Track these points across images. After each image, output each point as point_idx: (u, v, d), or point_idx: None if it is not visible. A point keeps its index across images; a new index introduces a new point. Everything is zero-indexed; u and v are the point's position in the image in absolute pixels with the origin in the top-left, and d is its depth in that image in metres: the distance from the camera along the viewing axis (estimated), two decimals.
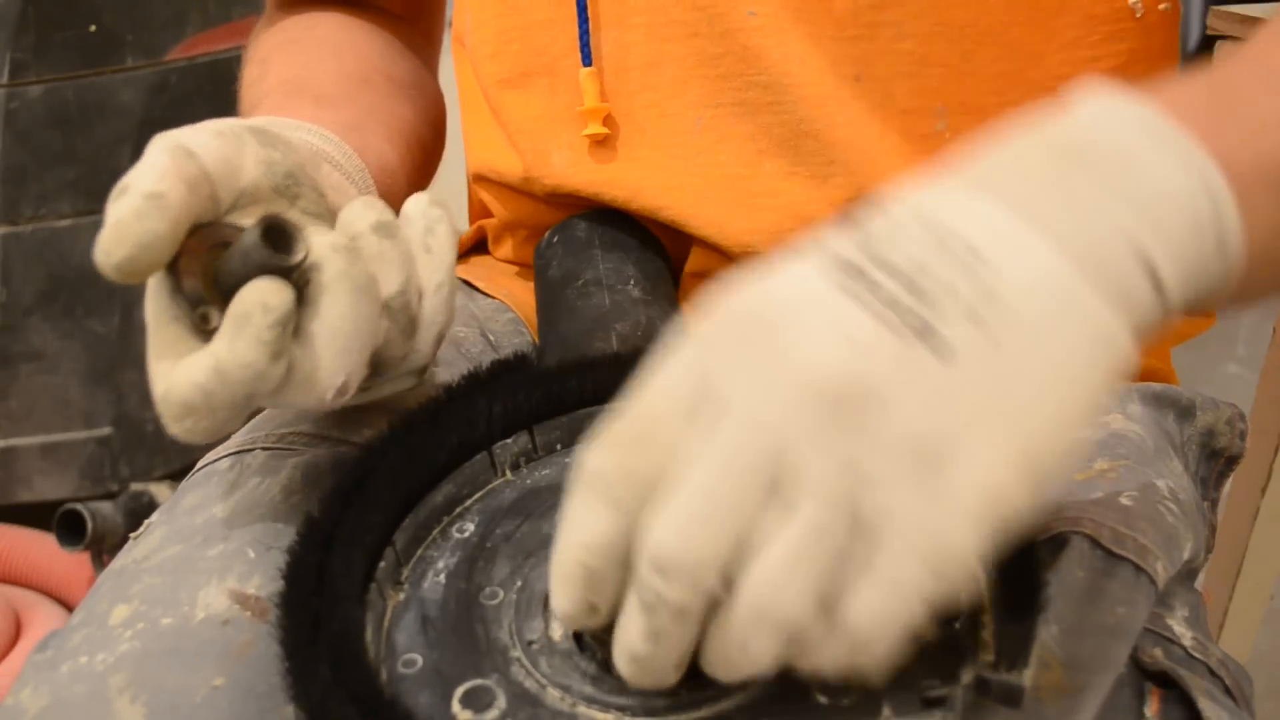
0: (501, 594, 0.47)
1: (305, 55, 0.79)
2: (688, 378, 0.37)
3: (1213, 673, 0.53)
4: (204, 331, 0.49)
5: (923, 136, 0.69)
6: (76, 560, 1.64)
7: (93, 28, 1.54)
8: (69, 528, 1.58)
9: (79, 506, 1.57)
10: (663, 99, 0.71)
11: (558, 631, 0.45)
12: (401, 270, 0.53)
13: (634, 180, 0.72)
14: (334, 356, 0.49)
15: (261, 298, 0.46)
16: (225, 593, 0.53)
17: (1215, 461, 0.73)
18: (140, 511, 1.62)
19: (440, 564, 0.49)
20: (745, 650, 0.36)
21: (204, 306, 0.49)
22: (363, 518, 0.48)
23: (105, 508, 1.60)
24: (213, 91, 1.61)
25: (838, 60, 0.68)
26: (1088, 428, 0.37)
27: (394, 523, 0.49)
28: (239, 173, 0.52)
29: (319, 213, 0.55)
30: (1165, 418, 0.69)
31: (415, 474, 0.51)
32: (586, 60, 0.71)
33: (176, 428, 0.48)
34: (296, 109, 0.68)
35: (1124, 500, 0.56)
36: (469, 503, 0.53)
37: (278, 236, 0.48)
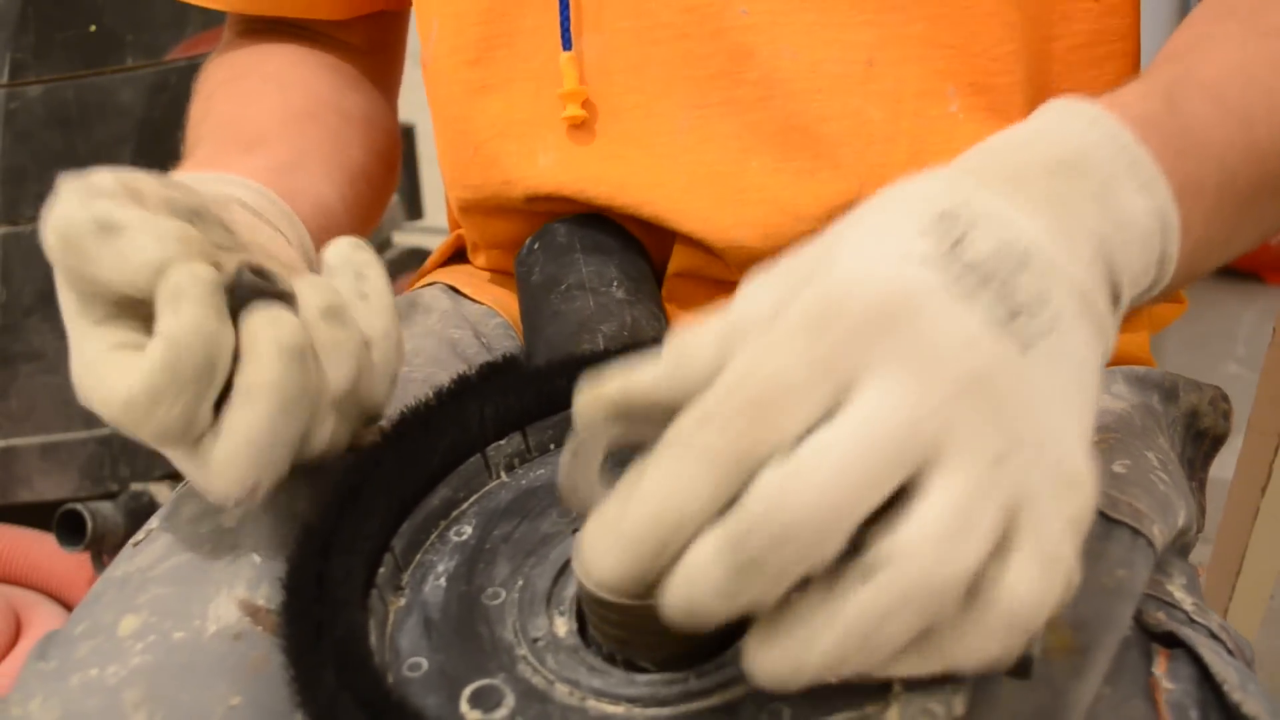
0: (504, 594, 0.47)
1: (247, 94, 0.79)
2: (808, 359, 0.36)
3: (1214, 635, 0.54)
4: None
5: (934, 119, 0.68)
6: (76, 560, 1.64)
7: (93, 28, 1.54)
8: (69, 528, 1.58)
9: (79, 506, 1.57)
10: (648, 100, 0.71)
11: (563, 628, 0.45)
12: (351, 360, 0.50)
13: (617, 177, 0.72)
14: (234, 469, 0.47)
15: (190, 270, 0.45)
16: (235, 603, 0.52)
17: (1201, 443, 0.74)
18: (140, 511, 1.62)
19: (440, 567, 0.49)
20: (874, 635, 0.35)
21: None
22: (360, 524, 0.48)
23: (105, 508, 1.60)
24: None
25: (848, 47, 0.67)
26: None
27: (391, 528, 0.49)
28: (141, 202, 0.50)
29: (229, 246, 0.53)
30: (1149, 399, 0.70)
31: (410, 478, 0.51)
32: (567, 45, 0.71)
33: (149, 426, 0.46)
34: (224, 157, 0.68)
35: (1116, 468, 0.57)
36: (465, 506, 0.53)
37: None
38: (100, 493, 1.65)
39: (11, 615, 1.58)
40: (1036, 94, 0.70)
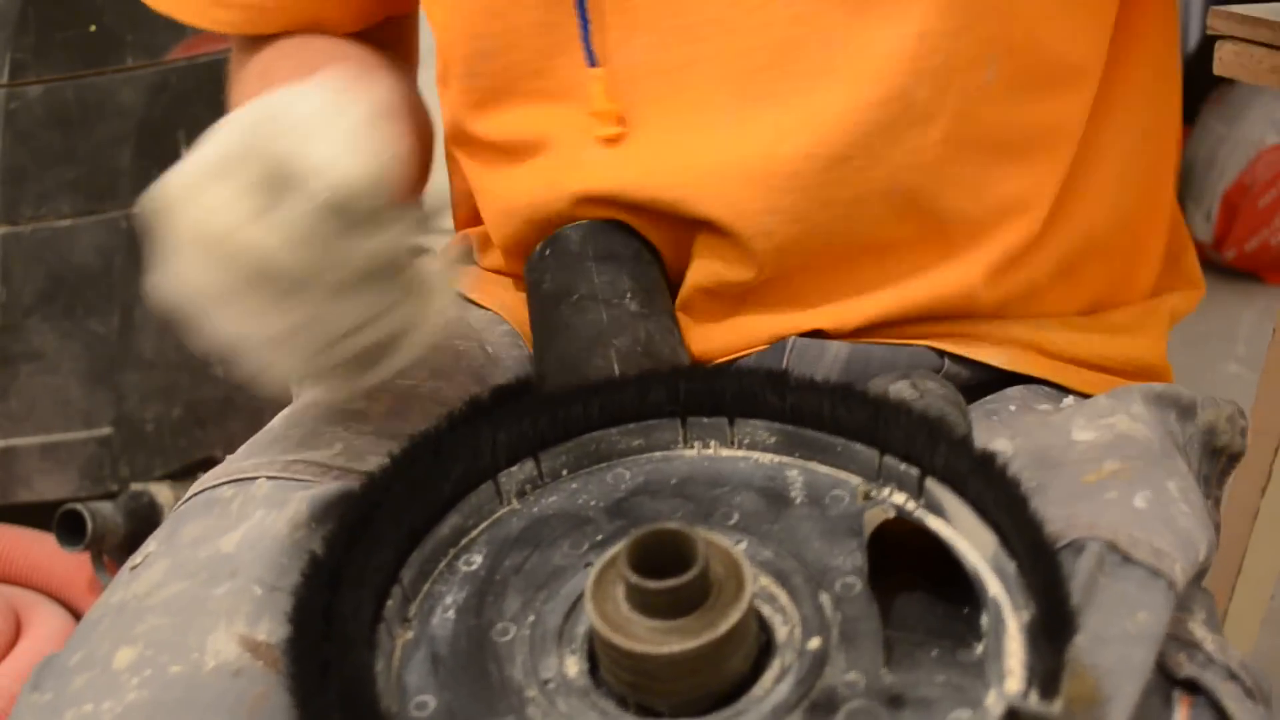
0: (513, 630, 0.47)
1: (316, 57, 0.77)
2: None
3: (1234, 675, 0.53)
4: None
5: (973, 92, 0.67)
6: (76, 560, 1.64)
7: (93, 28, 1.53)
8: (69, 528, 1.58)
9: (79, 506, 1.57)
10: (683, 101, 0.69)
11: (574, 668, 0.45)
12: None
13: (644, 163, 0.70)
14: None
15: None
16: (235, 638, 0.52)
17: (1217, 460, 0.73)
18: (140, 511, 1.61)
19: (449, 599, 0.49)
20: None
21: None
22: (368, 556, 0.47)
23: (105, 508, 1.60)
24: (213, 91, 1.58)
25: (901, 22, 0.66)
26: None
27: (400, 558, 0.49)
28: None
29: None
30: (1167, 417, 0.68)
31: (420, 506, 0.50)
32: (591, 61, 0.69)
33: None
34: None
35: (1137, 503, 0.56)
36: (475, 534, 0.52)
37: None
38: (100, 493, 1.65)
39: (11, 615, 1.57)
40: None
